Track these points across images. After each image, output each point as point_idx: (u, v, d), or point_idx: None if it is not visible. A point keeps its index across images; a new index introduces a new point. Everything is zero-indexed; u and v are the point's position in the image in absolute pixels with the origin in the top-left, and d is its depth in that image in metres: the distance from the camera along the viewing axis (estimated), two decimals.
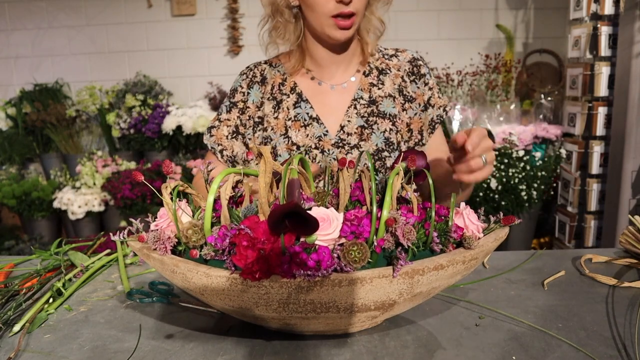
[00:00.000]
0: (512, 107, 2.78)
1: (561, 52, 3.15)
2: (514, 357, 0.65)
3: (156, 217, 0.71)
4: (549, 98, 2.80)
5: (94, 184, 2.94)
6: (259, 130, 1.12)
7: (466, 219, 0.69)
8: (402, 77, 1.12)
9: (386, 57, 1.15)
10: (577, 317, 0.75)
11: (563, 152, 2.54)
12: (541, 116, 2.76)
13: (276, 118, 1.10)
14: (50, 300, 0.85)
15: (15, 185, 2.93)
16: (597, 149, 2.34)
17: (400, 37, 3.12)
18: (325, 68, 1.11)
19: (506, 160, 2.52)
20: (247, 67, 1.19)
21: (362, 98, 1.10)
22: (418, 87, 1.12)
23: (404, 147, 1.11)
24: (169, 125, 2.98)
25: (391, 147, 1.07)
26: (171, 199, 0.67)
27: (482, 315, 0.77)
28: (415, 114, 1.11)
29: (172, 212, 0.66)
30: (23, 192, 2.92)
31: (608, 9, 2.21)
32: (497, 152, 2.55)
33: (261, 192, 0.65)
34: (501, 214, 0.73)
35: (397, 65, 1.13)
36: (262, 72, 1.16)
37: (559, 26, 3.20)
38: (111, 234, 0.73)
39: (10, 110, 3.18)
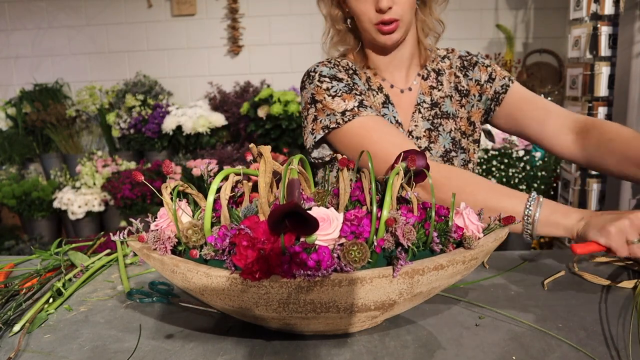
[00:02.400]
0: None
1: (561, 52, 3.15)
2: (514, 357, 0.65)
3: (156, 217, 0.71)
4: (549, 98, 2.80)
5: (94, 184, 2.94)
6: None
7: (466, 219, 0.69)
8: (454, 74, 1.14)
9: (440, 58, 1.17)
10: (577, 317, 0.75)
11: None
12: None
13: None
14: (50, 300, 0.85)
15: (15, 185, 2.93)
16: None
17: None
18: (391, 72, 1.12)
19: (506, 160, 2.52)
20: (329, 61, 1.07)
21: (424, 102, 1.11)
22: (470, 79, 1.13)
23: (469, 141, 1.12)
24: (169, 125, 2.98)
25: (457, 146, 1.10)
26: (171, 199, 0.67)
27: (482, 315, 0.77)
28: (472, 105, 1.13)
29: (172, 212, 0.66)
30: (23, 192, 2.92)
31: (608, 9, 2.21)
32: (497, 152, 2.55)
33: (261, 192, 0.65)
34: (501, 214, 0.73)
35: (450, 65, 1.16)
36: (348, 65, 1.08)
37: (559, 26, 3.20)
38: (111, 234, 0.73)
39: (10, 110, 3.18)
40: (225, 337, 0.72)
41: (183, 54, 3.34)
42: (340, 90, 1.00)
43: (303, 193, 0.71)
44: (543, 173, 2.55)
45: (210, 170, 0.76)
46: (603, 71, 2.25)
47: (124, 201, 2.83)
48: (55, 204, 2.94)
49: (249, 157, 0.78)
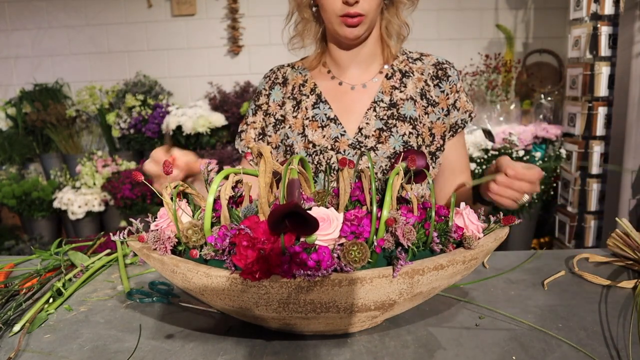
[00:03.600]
0: (512, 107, 2.78)
1: (561, 52, 3.15)
2: (514, 357, 0.65)
3: (156, 217, 0.71)
4: (549, 98, 2.80)
5: (94, 184, 2.94)
6: (281, 128, 1.14)
7: (466, 219, 0.69)
8: (425, 81, 1.11)
9: (410, 60, 1.14)
10: (577, 317, 0.75)
11: (563, 152, 2.53)
12: (541, 116, 2.76)
13: (295, 117, 1.12)
14: (50, 300, 0.85)
15: (15, 185, 2.93)
16: (597, 149, 2.34)
17: None
18: (345, 68, 1.12)
19: None
20: (271, 69, 1.22)
21: (382, 101, 1.09)
22: (442, 91, 1.10)
23: (426, 151, 1.10)
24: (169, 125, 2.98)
25: None
26: (171, 199, 0.67)
27: (482, 315, 0.77)
28: (438, 118, 1.10)
29: (172, 212, 0.66)
30: (23, 192, 2.92)
31: (608, 9, 2.21)
32: (497, 152, 2.55)
33: (261, 192, 0.65)
34: (501, 214, 0.73)
35: (421, 69, 1.12)
36: (284, 74, 1.19)
37: (559, 26, 3.20)
38: (111, 234, 0.73)
39: (10, 110, 3.18)
40: (225, 337, 0.72)
41: (183, 54, 3.34)
42: (247, 111, 1.21)
43: (303, 193, 0.71)
44: (543, 173, 2.54)
45: (210, 170, 0.76)
46: (603, 71, 2.25)
47: (124, 201, 2.83)
48: (55, 204, 2.94)
49: (249, 157, 0.78)
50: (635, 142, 2.14)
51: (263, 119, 1.17)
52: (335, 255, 0.60)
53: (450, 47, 3.20)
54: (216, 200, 0.67)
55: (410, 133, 1.07)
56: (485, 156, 2.56)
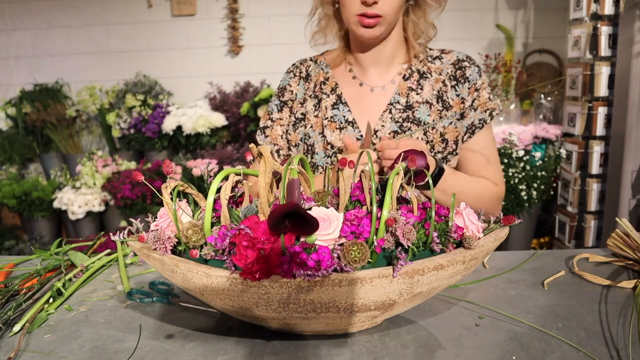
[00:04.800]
0: (512, 107, 2.78)
1: (561, 52, 3.15)
2: (514, 357, 0.65)
3: (156, 217, 0.71)
4: (549, 98, 2.79)
5: (94, 184, 2.94)
6: (301, 126, 1.12)
7: (466, 219, 0.69)
8: (442, 82, 1.08)
9: (430, 59, 1.11)
10: (577, 317, 0.75)
11: (563, 152, 2.53)
12: (541, 116, 2.76)
13: (316, 116, 1.11)
14: (50, 300, 0.85)
15: (15, 185, 2.93)
16: (597, 149, 2.34)
17: None
18: (365, 69, 1.11)
19: (506, 160, 2.52)
20: (293, 64, 1.20)
21: (398, 102, 1.07)
22: (458, 95, 1.07)
23: (437, 158, 1.06)
24: (169, 125, 2.98)
25: None
26: (171, 199, 0.67)
27: (482, 315, 0.77)
28: (451, 123, 1.06)
29: (172, 212, 0.66)
30: (23, 192, 2.92)
31: (608, 9, 2.21)
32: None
33: (261, 192, 0.65)
34: (501, 214, 0.73)
35: (439, 69, 1.10)
36: (307, 69, 1.17)
37: (559, 26, 3.20)
38: (111, 234, 0.73)
39: (10, 110, 3.18)
40: (225, 337, 0.72)
41: (183, 54, 3.34)
42: (270, 107, 1.18)
43: (303, 193, 0.71)
44: (543, 173, 2.54)
45: (210, 170, 0.76)
46: (603, 71, 2.25)
47: (124, 201, 2.83)
48: (56, 204, 2.94)
49: (249, 157, 0.78)
50: (635, 142, 2.14)
51: (289, 115, 1.15)
52: (335, 255, 0.60)
53: (450, 47, 3.20)
54: (216, 200, 0.67)
55: (421, 139, 1.05)
56: None
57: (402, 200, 0.71)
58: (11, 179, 3.01)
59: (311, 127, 1.10)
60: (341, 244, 0.61)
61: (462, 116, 1.07)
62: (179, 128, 3.00)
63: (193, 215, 0.71)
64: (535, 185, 2.52)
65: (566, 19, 2.65)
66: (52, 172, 3.15)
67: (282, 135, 1.15)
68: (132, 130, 3.07)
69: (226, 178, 0.69)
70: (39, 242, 2.92)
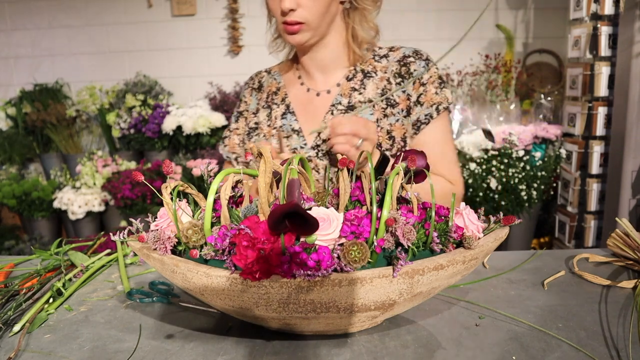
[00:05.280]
0: (512, 107, 2.78)
1: (561, 52, 3.15)
2: (514, 357, 0.65)
3: (156, 217, 0.71)
4: (549, 98, 2.79)
5: (94, 184, 2.94)
6: (255, 135, 1.16)
7: (466, 219, 0.69)
8: (387, 80, 1.08)
9: (377, 58, 1.11)
10: (577, 317, 0.75)
11: (563, 152, 2.53)
12: (541, 116, 2.76)
13: (268, 125, 1.14)
14: (50, 300, 0.85)
15: (15, 185, 2.93)
16: (597, 149, 2.34)
17: (400, 37, 3.12)
18: (311, 73, 1.13)
19: (506, 160, 2.52)
20: (250, 76, 1.25)
21: (340, 103, 1.08)
22: (403, 91, 1.06)
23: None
24: (169, 125, 2.98)
25: None
26: (171, 199, 0.67)
27: (482, 315, 0.77)
28: (397, 120, 1.06)
29: (172, 212, 0.66)
30: (23, 192, 2.92)
31: (608, 9, 2.21)
32: (497, 152, 2.55)
33: (261, 192, 0.65)
34: (501, 214, 0.73)
35: (385, 67, 1.09)
36: (260, 80, 1.22)
37: (559, 26, 3.20)
38: (111, 234, 0.73)
39: (10, 110, 3.18)
40: (225, 337, 0.72)
41: (183, 54, 3.34)
42: (232, 117, 1.24)
43: (303, 193, 0.71)
44: (543, 173, 2.54)
45: (210, 170, 0.76)
46: (603, 71, 2.25)
47: (124, 201, 2.83)
48: (56, 204, 2.94)
49: (249, 157, 0.78)
50: (635, 142, 2.14)
51: (245, 125, 1.20)
52: (335, 255, 0.60)
53: (450, 47, 3.20)
54: (216, 200, 0.67)
55: None
56: (485, 156, 2.56)
57: (402, 200, 0.71)
58: (11, 179, 3.01)
59: (264, 136, 1.14)
60: (341, 244, 0.61)
61: (409, 113, 1.07)
62: (179, 128, 3.00)
63: (193, 215, 0.71)
64: (535, 185, 2.52)
65: (566, 19, 2.65)
66: (52, 172, 3.15)
67: (239, 144, 1.20)
68: (132, 130, 3.07)
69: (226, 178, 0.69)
70: (39, 242, 2.92)
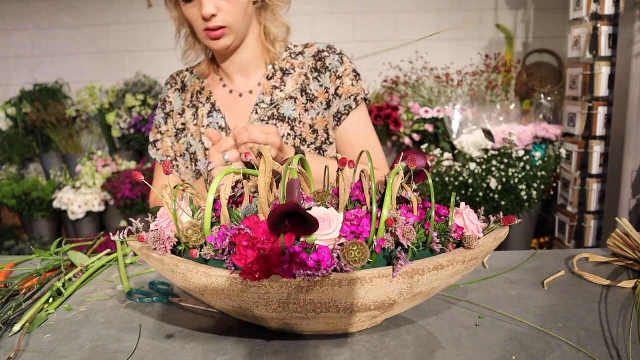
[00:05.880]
0: (512, 107, 2.78)
1: (561, 52, 3.15)
2: (514, 357, 0.65)
3: (156, 217, 0.71)
4: (549, 98, 2.79)
5: (94, 184, 2.94)
6: (183, 136, 1.17)
7: (466, 219, 0.69)
8: (305, 75, 1.11)
9: (293, 56, 1.14)
10: (577, 317, 0.75)
11: (563, 152, 2.53)
12: (541, 116, 2.76)
13: (195, 125, 1.15)
14: (50, 300, 0.85)
15: (15, 185, 2.93)
16: (597, 149, 2.34)
17: (400, 37, 3.12)
18: (231, 76, 1.14)
19: (506, 160, 2.52)
20: (171, 75, 1.24)
21: (263, 102, 1.11)
22: (321, 85, 1.10)
23: (310, 149, 1.10)
24: None
25: None
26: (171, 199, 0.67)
27: (482, 315, 0.77)
28: (318, 113, 1.10)
29: (172, 212, 0.66)
30: (23, 192, 2.92)
31: (608, 9, 2.21)
32: (497, 152, 2.55)
33: (261, 192, 0.65)
34: (501, 214, 0.73)
35: (302, 64, 1.12)
36: (182, 80, 1.22)
37: (559, 26, 3.20)
38: (111, 234, 0.73)
39: (10, 110, 3.18)
40: (225, 337, 0.72)
41: None
42: (157, 120, 1.22)
43: (303, 193, 0.71)
44: (543, 173, 2.54)
45: (210, 170, 0.76)
46: (603, 71, 2.25)
47: (124, 201, 2.83)
48: (55, 204, 2.94)
49: (249, 157, 0.78)
50: (635, 142, 2.14)
51: (174, 125, 1.19)
52: (335, 255, 0.60)
53: (450, 47, 3.20)
54: (216, 200, 0.67)
55: (288, 134, 1.08)
56: (485, 156, 2.56)
57: (402, 200, 0.71)
58: (11, 179, 3.01)
59: (192, 135, 1.15)
60: (341, 244, 0.61)
61: (329, 105, 1.10)
62: None
63: (193, 215, 0.71)
64: (535, 185, 2.52)
65: (566, 19, 2.65)
66: (52, 172, 3.15)
67: (171, 147, 1.20)
68: (132, 130, 3.07)
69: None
70: (39, 242, 2.92)
